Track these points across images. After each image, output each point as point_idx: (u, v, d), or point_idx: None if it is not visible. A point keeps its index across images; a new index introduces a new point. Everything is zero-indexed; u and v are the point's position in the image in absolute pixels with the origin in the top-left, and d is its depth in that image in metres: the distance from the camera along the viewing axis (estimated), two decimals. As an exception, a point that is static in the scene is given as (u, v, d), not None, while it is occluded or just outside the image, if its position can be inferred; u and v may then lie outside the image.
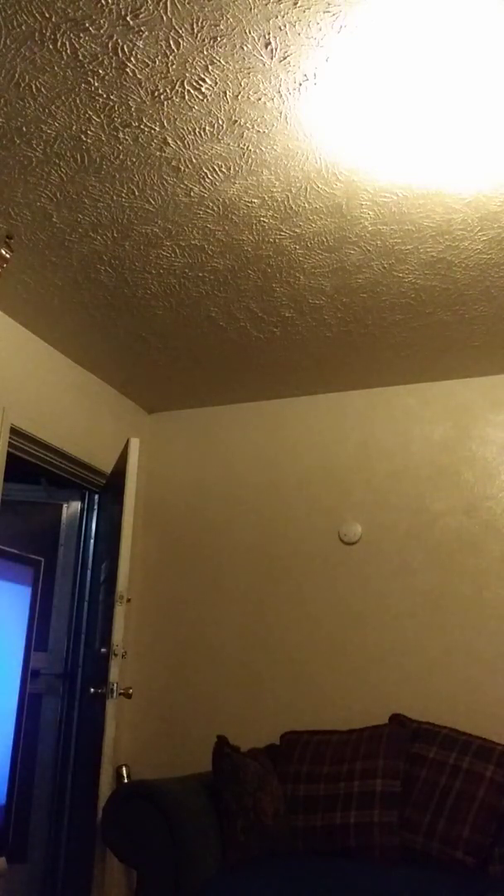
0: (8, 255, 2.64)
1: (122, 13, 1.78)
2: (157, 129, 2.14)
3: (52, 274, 2.92)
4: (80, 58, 1.91)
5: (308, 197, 2.42)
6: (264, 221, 2.56)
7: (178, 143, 2.20)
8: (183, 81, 1.97)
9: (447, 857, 2.72)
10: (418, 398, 3.81)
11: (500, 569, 3.44)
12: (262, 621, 3.80)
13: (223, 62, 1.91)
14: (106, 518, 3.88)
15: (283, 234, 2.62)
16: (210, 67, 1.92)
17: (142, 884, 2.58)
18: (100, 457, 3.82)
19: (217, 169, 2.30)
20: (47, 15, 1.79)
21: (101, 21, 1.80)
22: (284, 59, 1.89)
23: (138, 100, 2.04)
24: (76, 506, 4.09)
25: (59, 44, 1.86)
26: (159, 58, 1.90)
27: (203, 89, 2.00)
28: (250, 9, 1.76)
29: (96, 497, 4.09)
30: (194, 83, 1.98)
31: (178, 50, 1.88)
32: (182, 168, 2.30)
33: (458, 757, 2.91)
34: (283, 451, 4.00)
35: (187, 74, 1.95)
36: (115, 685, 3.08)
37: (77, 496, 4.09)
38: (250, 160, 2.26)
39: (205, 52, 1.88)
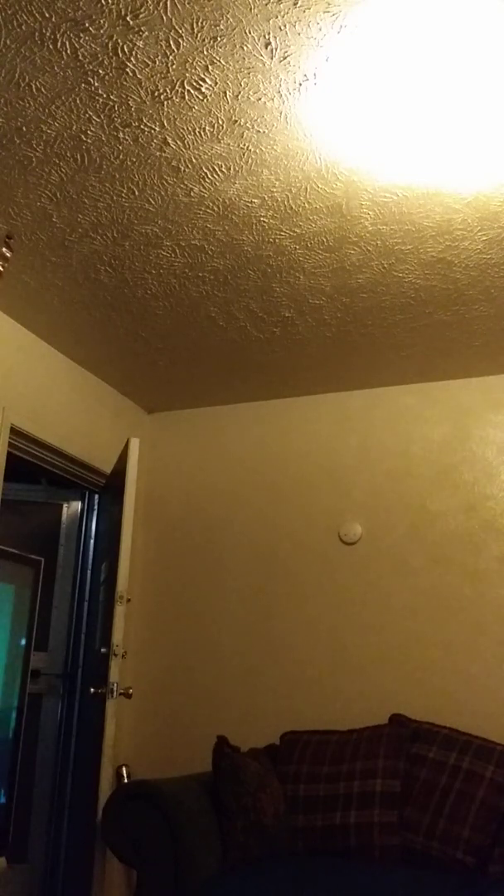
0: (8, 255, 2.65)
1: (122, 13, 1.78)
2: (157, 129, 2.14)
3: (52, 274, 2.92)
4: (80, 58, 1.91)
5: (308, 197, 2.42)
6: (264, 221, 2.56)
7: (178, 143, 2.20)
8: (183, 81, 1.97)
9: (447, 857, 2.71)
10: (418, 398, 3.81)
11: (500, 569, 3.44)
12: (262, 621, 3.80)
13: (223, 62, 1.91)
14: (106, 518, 3.88)
15: (283, 234, 2.62)
16: (210, 67, 1.92)
17: (142, 884, 2.58)
18: (100, 457, 3.82)
19: (217, 169, 2.30)
20: (47, 15, 1.79)
21: (101, 21, 1.80)
22: (284, 59, 1.89)
23: (138, 100, 2.04)
24: (76, 506, 4.09)
25: (59, 44, 1.86)
26: (159, 58, 1.90)
27: (203, 89, 2.00)
28: (250, 9, 1.76)
29: (96, 497, 4.09)
30: (194, 83, 1.98)
31: (178, 50, 1.88)
32: (182, 168, 2.30)
33: (458, 757, 2.91)
34: (283, 451, 4.00)
35: (187, 74, 1.95)
36: (115, 685, 3.08)
37: (77, 496, 4.09)
38: (250, 160, 2.26)
39: (205, 52, 1.88)
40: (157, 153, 2.24)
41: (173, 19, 1.79)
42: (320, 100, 2.02)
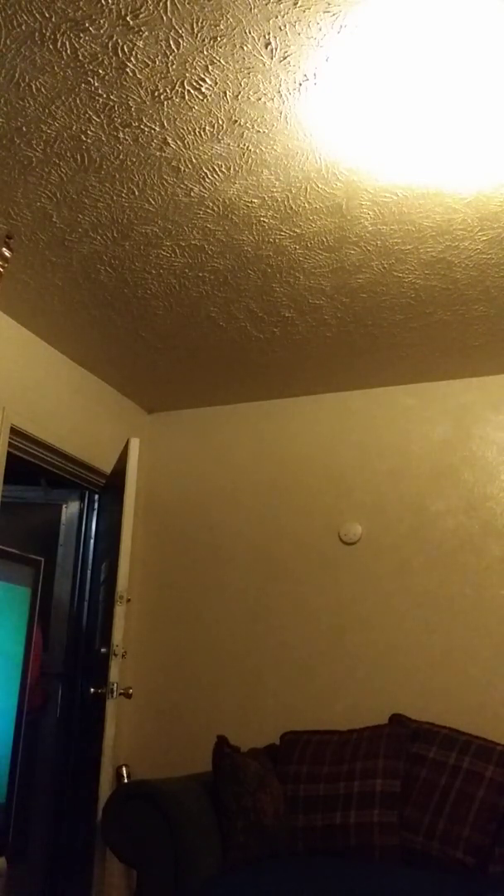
0: (9, 255, 2.64)
1: (122, 13, 1.78)
2: (157, 129, 2.14)
3: (52, 274, 2.92)
4: (80, 58, 1.91)
5: (308, 197, 2.42)
6: (264, 221, 2.56)
7: (178, 143, 2.20)
8: (183, 81, 1.97)
9: (447, 857, 2.71)
10: (418, 398, 3.81)
11: (500, 569, 3.44)
12: (262, 621, 3.79)
13: (223, 62, 1.91)
14: (106, 518, 3.88)
15: (283, 234, 2.62)
16: (210, 67, 1.92)
17: (142, 884, 2.58)
18: (100, 457, 3.82)
19: (217, 169, 2.30)
20: (47, 15, 1.79)
21: (101, 21, 1.80)
22: (284, 59, 1.89)
23: (138, 100, 2.04)
24: (76, 506, 4.09)
25: (59, 44, 1.86)
26: (159, 58, 1.90)
27: (203, 89, 2.00)
28: (250, 9, 1.76)
29: (96, 497, 4.09)
30: (194, 83, 1.98)
31: (178, 50, 1.87)
32: (182, 168, 2.30)
33: (458, 757, 2.91)
34: (282, 450, 4.00)
35: (187, 74, 1.95)
36: (115, 685, 3.08)
37: (77, 496, 4.09)
38: (250, 160, 2.26)
39: (205, 52, 1.88)
40: (157, 153, 2.24)
41: (173, 19, 1.79)
42: (320, 100, 2.01)
